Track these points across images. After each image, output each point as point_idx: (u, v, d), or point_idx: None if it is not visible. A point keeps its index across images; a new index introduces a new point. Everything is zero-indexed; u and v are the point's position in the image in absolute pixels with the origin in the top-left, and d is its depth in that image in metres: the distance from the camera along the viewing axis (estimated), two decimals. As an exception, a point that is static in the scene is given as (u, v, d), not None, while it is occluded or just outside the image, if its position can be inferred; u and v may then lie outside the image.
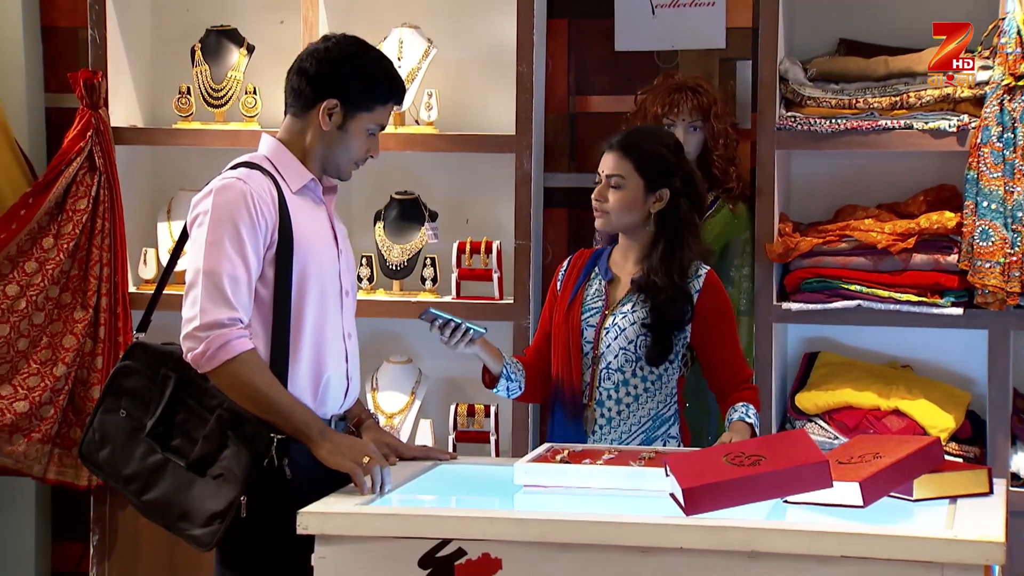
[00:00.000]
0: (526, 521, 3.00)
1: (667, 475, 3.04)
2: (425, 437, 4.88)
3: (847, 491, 3.01)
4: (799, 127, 4.59)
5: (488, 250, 4.80)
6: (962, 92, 4.47)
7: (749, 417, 3.67)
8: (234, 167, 3.37)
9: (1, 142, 5.01)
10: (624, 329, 3.74)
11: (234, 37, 5.03)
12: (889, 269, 4.54)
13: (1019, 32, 4.37)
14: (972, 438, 4.58)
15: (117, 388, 3.36)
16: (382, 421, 4.82)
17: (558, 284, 3.90)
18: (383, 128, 3.45)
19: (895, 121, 4.53)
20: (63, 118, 5.12)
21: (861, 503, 3.00)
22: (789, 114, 4.62)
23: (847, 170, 4.81)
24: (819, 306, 4.57)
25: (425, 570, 2.99)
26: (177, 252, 3.55)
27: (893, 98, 4.54)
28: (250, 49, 5.03)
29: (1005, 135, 4.38)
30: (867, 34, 4.80)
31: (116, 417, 3.34)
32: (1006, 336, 4.46)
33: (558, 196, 5.02)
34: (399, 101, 3.46)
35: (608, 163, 3.77)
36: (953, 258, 4.47)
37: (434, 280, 4.89)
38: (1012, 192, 4.37)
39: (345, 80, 3.36)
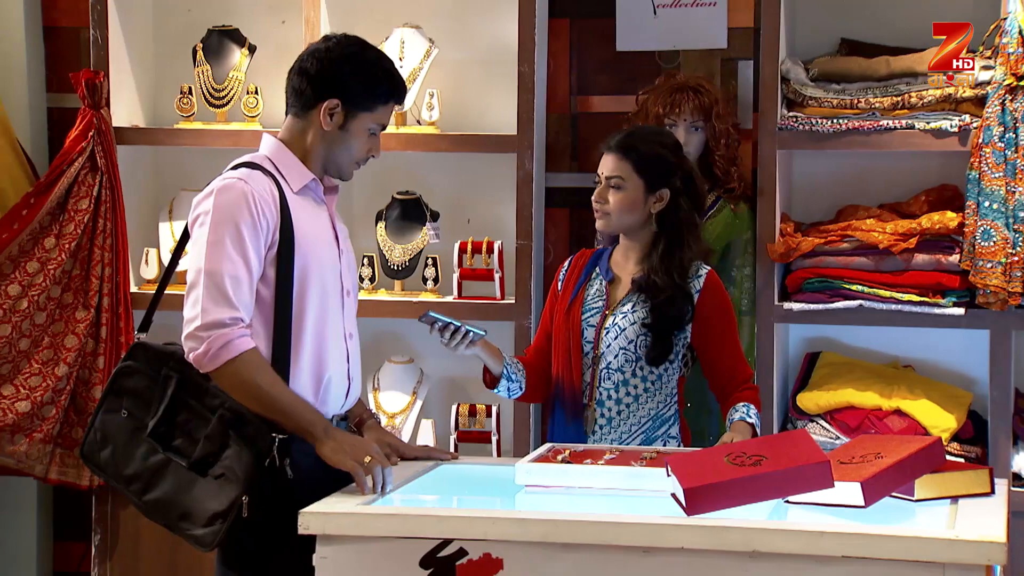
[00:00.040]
0: (527, 521, 2.99)
1: (668, 475, 3.04)
2: (426, 437, 4.87)
3: (848, 491, 3.01)
4: (801, 127, 4.59)
5: (489, 250, 4.80)
6: (964, 92, 4.47)
7: (750, 417, 3.66)
8: (235, 167, 3.37)
9: (3, 142, 5.01)
10: (624, 329, 3.73)
11: (236, 37, 5.03)
12: (891, 269, 4.54)
13: (1021, 32, 4.37)
14: (974, 438, 4.58)
15: (119, 388, 3.36)
16: (383, 421, 4.82)
17: (559, 284, 3.89)
18: (384, 128, 3.45)
19: (897, 121, 4.52)
20: (65, 118, 5.12)
21: (862, 503, 2.99)
22: (791, 114, 4.62)
23: (849, 170, 4.81)
24: (820, 306, 4.57)
25: (426, 570, 2.98)
26: (179, 252, 3.55)
27: (895, 98, 4.54)
28: (252, 49, 5.03)
29: (1007, 135, 4.38)
30: (868, 34, 4.80)
31: (118, 417, 3.34)
32: (1007, 336, 4.46)
33: (559, 196, 5.02)
34: (400, 101, 3.45)
35: (607, 165, 3.76)
36: (955, 258, 4.47)
37: (435, 280, 4.89)
38: (1014, 192, 4.37)
39: (346, 80, 3.36)
